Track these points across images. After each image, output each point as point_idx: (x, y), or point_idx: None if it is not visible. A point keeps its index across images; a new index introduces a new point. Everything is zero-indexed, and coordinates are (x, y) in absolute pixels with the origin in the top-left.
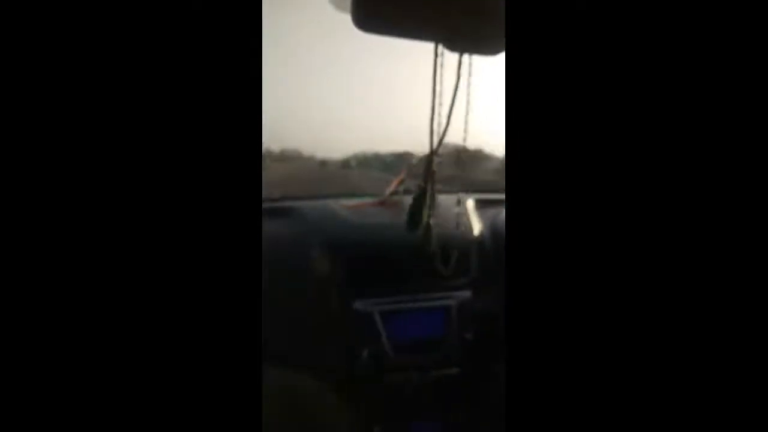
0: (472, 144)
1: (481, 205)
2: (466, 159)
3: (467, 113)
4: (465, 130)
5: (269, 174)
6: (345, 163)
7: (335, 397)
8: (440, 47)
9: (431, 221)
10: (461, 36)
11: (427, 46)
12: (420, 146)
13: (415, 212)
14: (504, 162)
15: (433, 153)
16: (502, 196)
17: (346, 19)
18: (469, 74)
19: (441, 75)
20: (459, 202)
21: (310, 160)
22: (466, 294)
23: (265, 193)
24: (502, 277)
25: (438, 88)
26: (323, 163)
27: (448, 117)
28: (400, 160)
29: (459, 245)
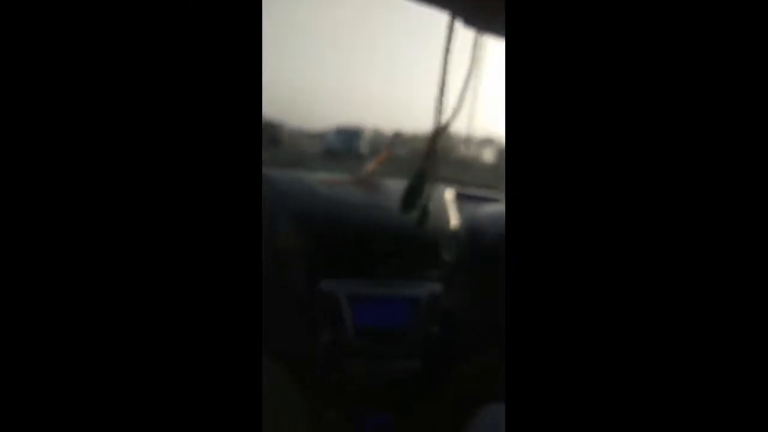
0: (473, 132)
1: (465, 199)
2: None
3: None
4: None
5: None
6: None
7: (289, 378)
8: (454, 23)
9: (429, 207)
10: (480, 12)
11: (440, 21)
12: (410, 126)
13: (412, 194)
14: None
15: (437, 134)
16: (490, 192)
17: None
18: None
19: (452, 53)
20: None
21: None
22: (437, 286)
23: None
24: (475, 274)
25: (448, 67)
26: (303, 134)
27: (460, 99)
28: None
29: (435, 237)
